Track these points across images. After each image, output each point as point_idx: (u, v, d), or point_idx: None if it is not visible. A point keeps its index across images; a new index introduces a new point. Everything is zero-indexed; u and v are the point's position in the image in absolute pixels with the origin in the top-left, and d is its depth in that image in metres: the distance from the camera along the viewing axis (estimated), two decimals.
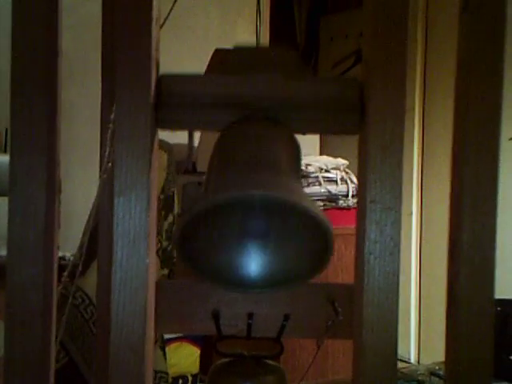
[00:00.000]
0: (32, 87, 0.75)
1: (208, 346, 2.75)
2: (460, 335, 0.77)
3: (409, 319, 3.67)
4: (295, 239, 0.87)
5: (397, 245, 0.78)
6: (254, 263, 0.86)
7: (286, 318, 0.99)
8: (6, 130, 3.06)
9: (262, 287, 0.88)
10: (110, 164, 0.84)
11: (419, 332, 3.73)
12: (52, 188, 0.77)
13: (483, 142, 0.76)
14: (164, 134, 0.92)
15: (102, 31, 0.97)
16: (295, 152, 0.85)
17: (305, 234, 0.85)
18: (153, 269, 0.84)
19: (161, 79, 0.82)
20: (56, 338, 0.84)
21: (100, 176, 0.89)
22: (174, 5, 1.25)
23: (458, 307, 0.77)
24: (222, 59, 0.93)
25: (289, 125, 0.85)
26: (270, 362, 1.02)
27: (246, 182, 0.75)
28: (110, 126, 0.81)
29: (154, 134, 0.80)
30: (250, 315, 0.99)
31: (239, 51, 0.91)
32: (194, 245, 0.84)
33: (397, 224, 0.78)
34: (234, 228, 0.87)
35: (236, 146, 0.81)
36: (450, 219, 0.80)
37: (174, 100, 0.82)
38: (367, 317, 0.78)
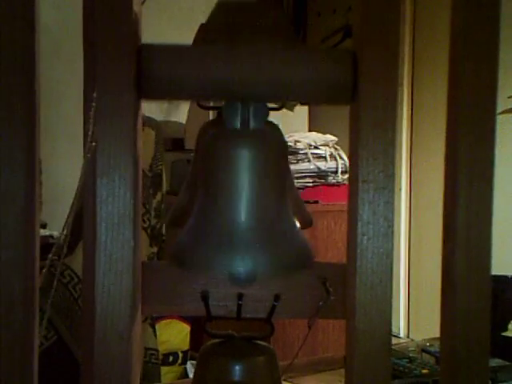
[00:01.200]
0: (7, 64, 0.73)
1: (198, 323, 2.75)
2: (456, 314, 0.76)
3: (398, 295, 3.69)
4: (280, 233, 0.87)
5: (390, 225, 0.77)
6: (242, 258, 0.86)
7: (277, 298, 0.98)
8: None
9: (250, 280, 0.88)
10: (93, 143, 0.81)
11: (408, 307, 3.75)
12: (31, 169, 0.74)
13: (478, 118, 0.74)
14: (151, 111, 0.90)
15: (84, 7, 0.94)
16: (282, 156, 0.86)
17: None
18: (139, 250, 0.82)
19: (142, 52, 0.79)
20: (43, 317, 0.83)
21: (84, 156, 0.87)
22: None
23: (454, 285, 0.75)
24: (211, 22, 0.91)
25: (279, 96, 0.83)
26: (261, 342, 1.02)
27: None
28: (93, 104, 0.79)
29: (136, 111, 0.78)
30: (240, 296, 0.98)
31: (224, 10, 0.89)
32: (181, 241, 0.84)
33: (390, 204, 0.76)
34: (222, 222, 0.86)
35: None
36: (444, 197, 0.78)
37: (156, 75, 0.79)
38: (360, 299, 0.76)
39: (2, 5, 0.73)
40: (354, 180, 0.78)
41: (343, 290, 0.87)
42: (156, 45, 0.80)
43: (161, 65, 0.79)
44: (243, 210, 0.85)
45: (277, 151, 0.88)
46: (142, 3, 0.85)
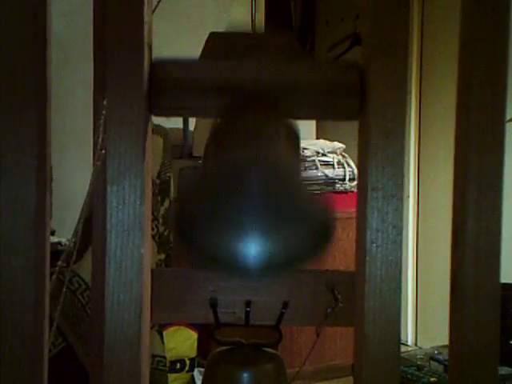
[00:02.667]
0: (20, 75, 0.73)
1: (206, 330, 2.75)
2: (465, 322, 0.75)
3: (406, 302, 3.67)
4: (295, 222, 0.85)
5: (399, 233, 0.77)
6: (252, 247, 0.84)
7: (285, 305, 0.98)
8: None
9: (261, 272, 0.86)
10: (103, 151, 0.82)
11: (416, 314, 3.73)
12: (42, 176, 0.75)
13: (488, 127, 0.74)
14: (159, 119, 0.90)
15: (94, 17, 0.94)
16: (294, 143, 0.83)
17: (305, 216, 0.83)
18: (148, 258, 0.82)
19: (154, 64, 0.80)
20: (52, 324, 0.83)
21: (93, 163, 0.87)
22: None
23: (463, 293, 0.75)
24: (217, 43, 0.91)
25: (287, 111, 0.83)
26: (269, 350, 1.01)
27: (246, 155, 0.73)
28: (103, 112, 0.79)
29: (147, 120, 0.78)
30: (248, 303, 0.98)
31: (234, 35, 0.89)
32: (191, 230, 0.82)
33: (399, 212, 0.76)
34: (231, 213, 0.85)
35: (233, 144, 0.78)
36: (454, 206, 0.78)
37: (167, 86, 0.80)
38: (369, 307, 0.76)
39: (13, 14, 0.74)
40: (363, 188, 0.78)
41: (352, 297, 0.87)
42: (168, 57, 0.80)
43: (172, 74, 0.79)
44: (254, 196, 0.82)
45: (289, 137, 0.86)
46: (153, 12, 0.86)
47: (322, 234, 0.78)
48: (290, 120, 0.84)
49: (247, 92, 0.80)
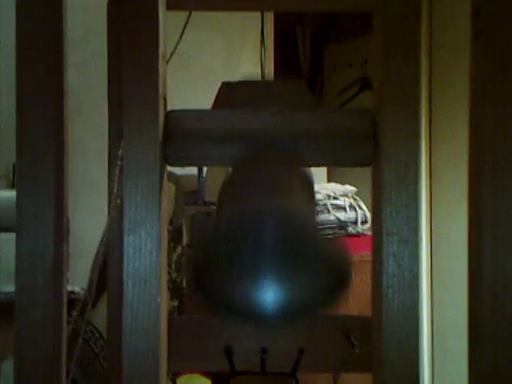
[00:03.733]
0: (38, 128, 0.74)
1: (219, 377, 2.72)
2: (484, 368, 0.75)
3: (421, 345, 3.63)
4: (311, 269, 0.84)
5: (415, 278, 0.77)
6: (268, 295, 0.84)
7: (301, 352, 0.97)
8: (14, 165, 3.07)
9: (276, 320, 0.86)
10: (118, 201, 0.82)
11: (433, 360, 3.68)
12: (60, 228, 0.75)
13: (501, 168, 0.74)
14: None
15: (108, 68, 0.96)
16: (309, 191, 0.84)
17: (321, 264, 0.82)
18: (165, 307, 0.82)
19: (169, 115, 0.81)
20: (67, 375, 0.83)
21: (108, 213, 0.88)
22: (180, 40, 1.25)
23: (481, 337, 0.75)
24: (228, 93, 0.92)
25: (300, 158, 0.83)
26: None
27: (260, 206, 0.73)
28: (118, 162, 0.80)
29: (162, 171, 0.79)
30: (264, 350, 0.97)
31: (246, 84, 0.90)
32: (206, 278, 0.82)
33: (414, 257, 0.76)
34: (247, 260, 0.85)
35: (246, 192, 0.79)
36: (469, 248, 0.78)
37: (182, 136, 0.81)
38: (387, 353, 0.76)
39: (31, 65, 0.75)
40: (378, 233, 0.78)
41: (368, 342, 0.86)
42: (181, 109, 0.81)
43: (186, 125, 0.80)
44: (270, 239, 0.82)
45: (304, 181, 0.86)
46: (167, 62, 0.87)
47: (339, 280, 0.78)
48: (303, 168, 0.84)
49: (260, 141, 0.81)
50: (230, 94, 0.91)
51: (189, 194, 3.26)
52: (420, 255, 3.62)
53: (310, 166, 0.85)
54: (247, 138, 0.81)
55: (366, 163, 0.83)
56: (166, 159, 0.81)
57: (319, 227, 0.81)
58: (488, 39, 0.73)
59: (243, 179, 0.82)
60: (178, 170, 2.32)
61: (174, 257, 2.49)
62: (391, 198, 0.76)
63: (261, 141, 0.80)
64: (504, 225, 0.74)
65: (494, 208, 0.74)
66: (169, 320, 0.92)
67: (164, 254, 0.83)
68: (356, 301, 3.20)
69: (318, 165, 0.87)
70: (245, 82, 0.91)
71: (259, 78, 3.32)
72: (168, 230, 2.41)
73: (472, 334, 0.77)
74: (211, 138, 0.81)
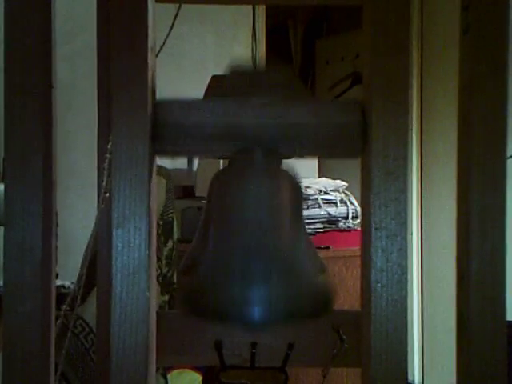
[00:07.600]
0: (27, 122, 0.74)
1: (210, 372, 2.72)
2: (472, 361, 0.75)
3: (412, 340, 3.64)
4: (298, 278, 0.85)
5: (404, 273, 0.77)
6: (255, 300, 0.84)
7: (290, 347, 0.97)
8: (4, 159, 3.06)
9: (263, 324, 0.86)
10: (107, 194, 0.82)
11: (423, 354, 3.70)
12: (48, 222, 0.75)
13: (489, 164, 0.75)
14: (162, 160, 0.91)
15: (98, 60, 0.96)
16: (296, 201, 0.84)
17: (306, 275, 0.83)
18: (154, 301, 0.82)
19: (157, 106, 0.80)
20: (56, 369, 0.83)
21: (98, 206, 0.87)
22: (169, 33, 1.25)
23: (470, 332, 0.75)
24: (218, 86, 0.92)
25: (289, 150, 0.83)
26: None
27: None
28: (107, 155, 0.80)
29: (151, 162, 0.79)
30: (254, 345, 0.97)
31: (235, 76, 0.90)
32: (193, 282, 0.83)
33: (403, 251, 0.76)
34: (235, 267, 0.85)
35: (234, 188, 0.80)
36: (457, 244, 0.78)
37: (171, 127, 0.81)
38: (375, 347, 0.76)
39: (20, 59, 0.75)
40: (366, 227, 0.78)
41: (357, 337, 0.87)
42: (171, 99, 0.81)
43: (175, 117, 0.80)
44: (257, 252, 0.83)
45: (291, 190, 0.88)
46: (156, 56, 0.87)
47: (322, 296, 0.80)
48: (292, 175, 0.85)
49: (249, 133, 0.81)
50: (219, 86, 0.90)
51: (180, 189, 3.26)
52: (410, 249, 3.63)
53: (299, 157, 0.85)
54: (236, 129, 0.80)
55: (355, 155, 0.83)
56: (155, 150, 0.81)
57: (306, 234, 0.83)
58: (476, 34, 0.74)
59: (232, 175, 0.82)
60: (168, 164, 2.32)
61: (165, 251, 2.48)
62: (380, 192, 0.76)
63: (250, 133, 0.80)
64: (491, 219, 0.74)
65: (481, 202, 0.74)
66: (158, 314, 0.92)
67: (153, 247, 0.83)
68: (346, 295, 3.21)
69: (307, 156, 0.87)
70: (233, 74, 0.90)
71: (250, 63, 3.30)
72: (158, 224, 2.41)
73: (460, 327, 0.77)
74: (200, 129, 0.81)
